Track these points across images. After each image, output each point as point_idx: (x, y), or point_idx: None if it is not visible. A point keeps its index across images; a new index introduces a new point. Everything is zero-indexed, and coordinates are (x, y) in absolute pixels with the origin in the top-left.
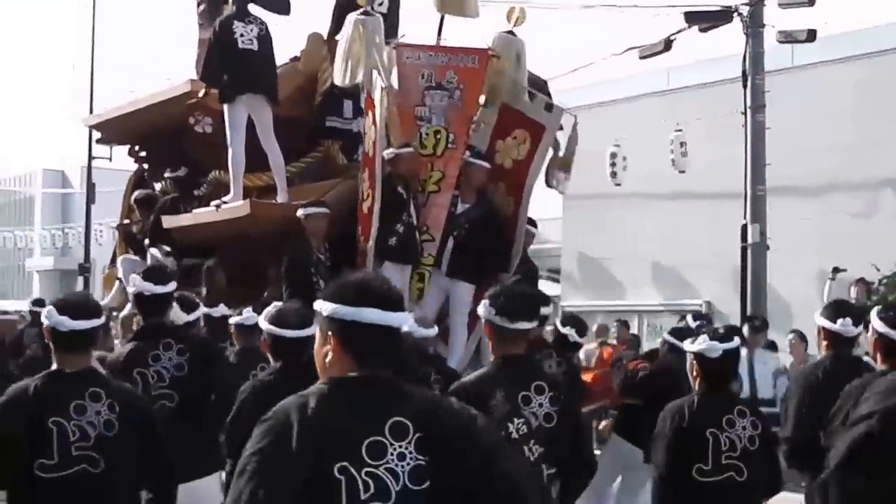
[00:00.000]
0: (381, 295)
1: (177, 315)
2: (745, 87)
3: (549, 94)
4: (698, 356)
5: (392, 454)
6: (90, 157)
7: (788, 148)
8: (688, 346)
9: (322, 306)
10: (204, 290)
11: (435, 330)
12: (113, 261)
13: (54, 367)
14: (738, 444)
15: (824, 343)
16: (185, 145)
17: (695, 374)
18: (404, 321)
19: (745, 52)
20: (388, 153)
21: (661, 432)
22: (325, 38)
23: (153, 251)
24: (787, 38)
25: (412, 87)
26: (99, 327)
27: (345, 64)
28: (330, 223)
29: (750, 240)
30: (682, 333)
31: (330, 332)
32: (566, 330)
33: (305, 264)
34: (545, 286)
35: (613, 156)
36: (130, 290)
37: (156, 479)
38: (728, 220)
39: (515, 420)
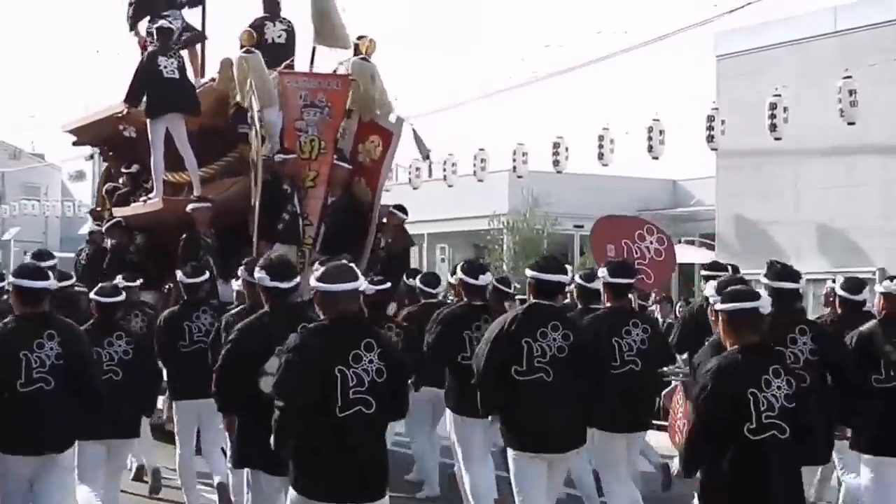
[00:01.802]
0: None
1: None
2: None
3: None
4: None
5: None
6: None
7: None
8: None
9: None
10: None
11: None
12: None
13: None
14: None
15: None
16: (137, 147)
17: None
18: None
19: None
20: (277, 158)
21: None
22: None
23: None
24: None
25: (293, 105)
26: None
27: (239, 89)
28: (215, 214)
29: None
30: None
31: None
32: None
33: (195, 245)
34: (697, 252)
35: (773, 106)
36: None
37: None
38: None
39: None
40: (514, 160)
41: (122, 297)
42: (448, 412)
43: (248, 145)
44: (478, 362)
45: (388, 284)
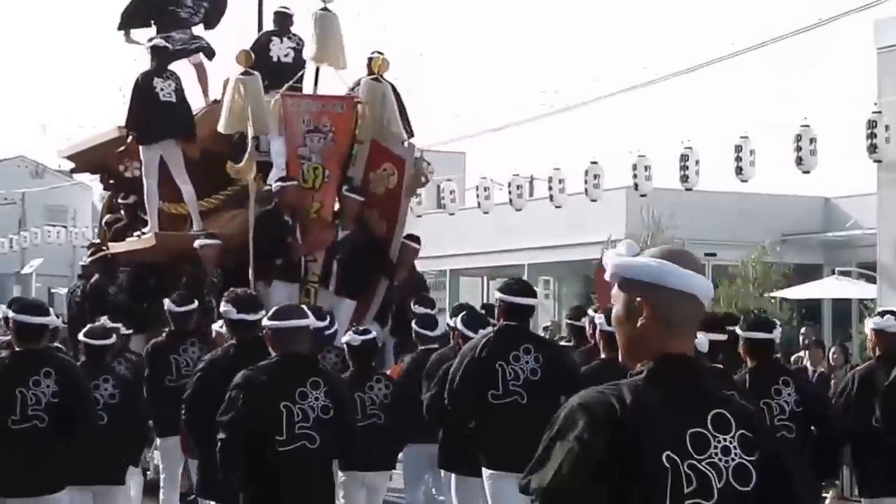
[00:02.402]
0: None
1: None
2: None
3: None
4: None
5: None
6: None
7: None
8: None
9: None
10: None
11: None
12: None
13: None
14: None
15: None
16: (134, 176)
17: None
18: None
19: None
20: (275, 186)
21: None
22: None
23: None
24: None
25: (296, 130)
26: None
27: (227, 114)
28: (222, 251)
29: None
30: None
31: None
32: None
33: (199, 285)
34: (853, 286)
35: None
36: None
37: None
38: None
39: None
40: (635, 175)
41: (113, 339)
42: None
43: (258, 173)
44: (451, 382)
45: (374, 335)
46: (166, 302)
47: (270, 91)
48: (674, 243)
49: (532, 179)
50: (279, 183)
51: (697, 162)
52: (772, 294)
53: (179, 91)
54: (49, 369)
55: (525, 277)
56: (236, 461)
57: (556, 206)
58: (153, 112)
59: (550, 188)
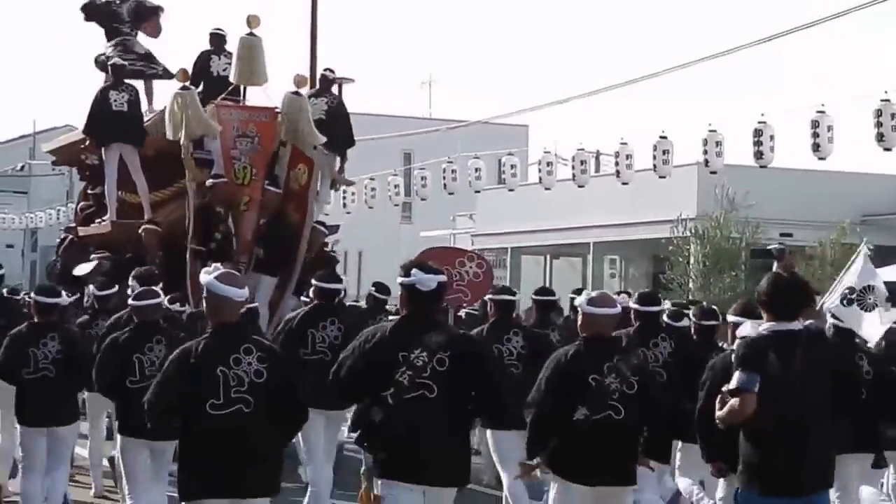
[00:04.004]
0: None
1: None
2: None
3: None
4: None
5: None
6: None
7: None
8: None
9: None
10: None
11: None
12: None
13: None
14: None
15: None
16: (101, 171)
17: None
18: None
19: None
20: (209, 182)
21: None
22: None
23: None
24: None
25: (228, 135)
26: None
27: (169, 123)
28: (161, 236)
29: None
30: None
31: None
32: None
33: (144, 263)
34: None
35: None
36: None
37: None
38: None
39: None
40: (706, 151)
41: (62, 298)
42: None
43: (203, 169)
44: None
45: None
46: (91, 287)
47: (211, 101)
48: (748, 222)
49: (598, 154)
50: (212, 180)
51: (772, 137)
52: None
53: (132, 102)
54: (54, 334)
55: (590, 256)
56: (161, 412)
57: (623, 183)
58: (108, 120)
59: (617, 163)
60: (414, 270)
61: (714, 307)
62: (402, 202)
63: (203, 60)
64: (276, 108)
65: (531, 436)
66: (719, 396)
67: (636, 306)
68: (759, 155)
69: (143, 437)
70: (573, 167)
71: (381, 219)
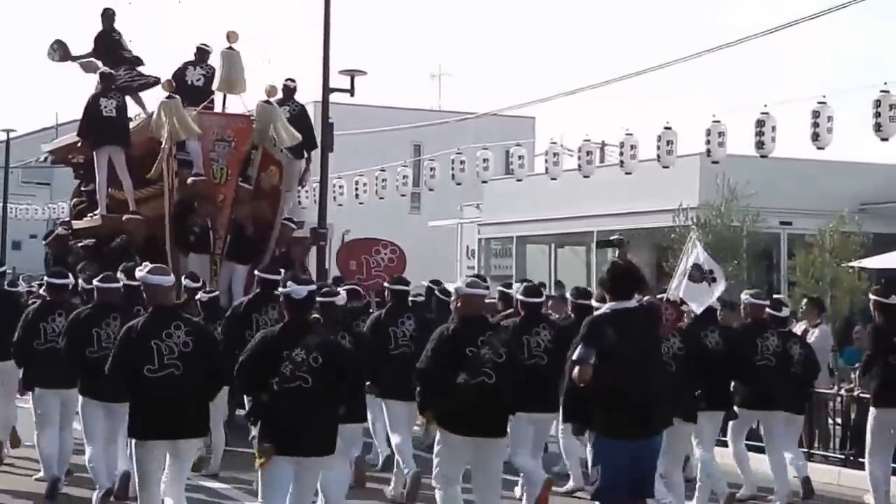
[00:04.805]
0: None
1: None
2: None
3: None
4: None
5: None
6: (326, 89)
7: None
8: None
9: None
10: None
11: None
12: None
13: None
14: None
15: None
16: (92, 170)
17: None
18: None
19: None
20: (189, 180)
21: None
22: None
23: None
24: None
25: (208, 139)
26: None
27: (155, 127)
28: (147, 226)
29: None
30: None
31: None
32: None
33: (127, 255)
34: None
35: None
36: None
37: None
38: None
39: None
40: (708, 141)
41: (70, 280)
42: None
43: (184, 168)
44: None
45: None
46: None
47: (188, 108)
48: (748, 211)
49: (604, 145)
50: (193, 178)
51: (774, 128)
52: (849, 264)
53: (120, 109)
54: (62, 311)
55: (593, 245)
56: (120, 375)
57: (626, 173)
58: (97, 125)
59: (621, 153)
60: (289, 283)
61: (588, 288)
62: (410, 192)
63: (181, 71)
64: (252, 114)
65: (421, 394)
66: (569, 363)
67: (521, 297)
68: (760, 145)
69: (99, 398)
70: (579, 158)
71: (391, 209)
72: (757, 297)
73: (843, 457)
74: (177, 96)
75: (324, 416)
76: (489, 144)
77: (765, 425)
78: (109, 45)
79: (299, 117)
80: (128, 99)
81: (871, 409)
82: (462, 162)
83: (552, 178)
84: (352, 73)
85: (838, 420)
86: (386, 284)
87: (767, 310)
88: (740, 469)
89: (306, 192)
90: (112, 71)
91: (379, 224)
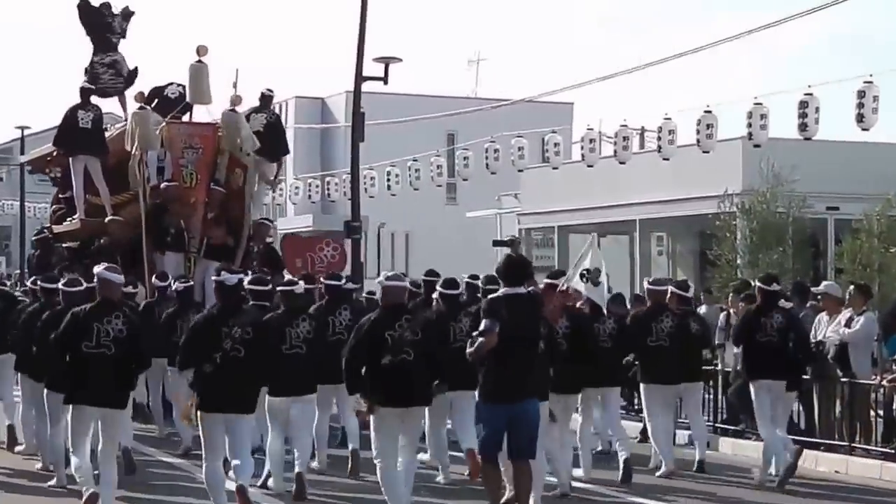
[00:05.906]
0: None
1: None
2: None
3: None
4: None
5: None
6: (359, 77)
7: None
8: None
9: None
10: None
11: None
12: None
13: None
14: None
15: None
16: (69, 179)
17: None
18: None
19: None
20: (162, 186)
21: None
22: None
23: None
24: None
25: (177, 147)
26: None
27: (128, 138)
28: (124, 225)
29: None
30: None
31: None
32: None
33: (109, 255)
34: None
35: None
36: None
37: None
38: None
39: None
40: (750, 125)
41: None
42: None
43: (158, 175)
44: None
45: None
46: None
47: (164, 118)
48: (794, 196)
49: (643, 131)
50: (165, 183)
51: (817, 109)
52: None
53: (97, 120)
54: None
55: (636, 233)
56: (61, 355)
57: (664, 159)
58: (74, 136)
59: (659, 139)
60: (223, 273)
61: (454, 277)
62: (445, 183)
63: (161, 86)
64: (217, 123)
65: (347, 377)
66: (469, 340)
67: (442, 289)
68: (803, 127)
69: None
70: (614, 144)
71: (427, 200)
72: (655, 284)
73: (885, 450)
74: (147, 108)
75: (250, 381)
76: (524, 132)
77: (669, 400)
78: (94, 26)
79: (274, 124)
80: (113, 101)
81: None
82: (496, 150)
83: (588, 165)
84: (386, 61)
85: (880, 412)
86: (321, 279)
87: (673, 289)
88: (654, 443)
89: (336, 184)
90: (91, 86)
91: (415, 216)
